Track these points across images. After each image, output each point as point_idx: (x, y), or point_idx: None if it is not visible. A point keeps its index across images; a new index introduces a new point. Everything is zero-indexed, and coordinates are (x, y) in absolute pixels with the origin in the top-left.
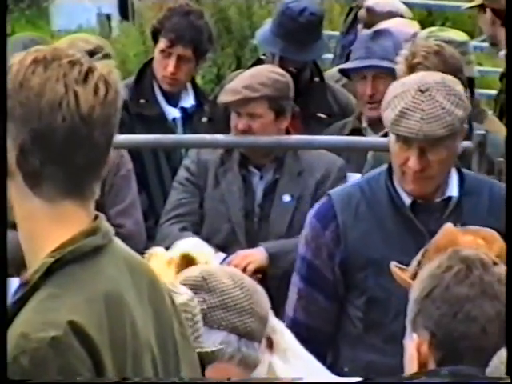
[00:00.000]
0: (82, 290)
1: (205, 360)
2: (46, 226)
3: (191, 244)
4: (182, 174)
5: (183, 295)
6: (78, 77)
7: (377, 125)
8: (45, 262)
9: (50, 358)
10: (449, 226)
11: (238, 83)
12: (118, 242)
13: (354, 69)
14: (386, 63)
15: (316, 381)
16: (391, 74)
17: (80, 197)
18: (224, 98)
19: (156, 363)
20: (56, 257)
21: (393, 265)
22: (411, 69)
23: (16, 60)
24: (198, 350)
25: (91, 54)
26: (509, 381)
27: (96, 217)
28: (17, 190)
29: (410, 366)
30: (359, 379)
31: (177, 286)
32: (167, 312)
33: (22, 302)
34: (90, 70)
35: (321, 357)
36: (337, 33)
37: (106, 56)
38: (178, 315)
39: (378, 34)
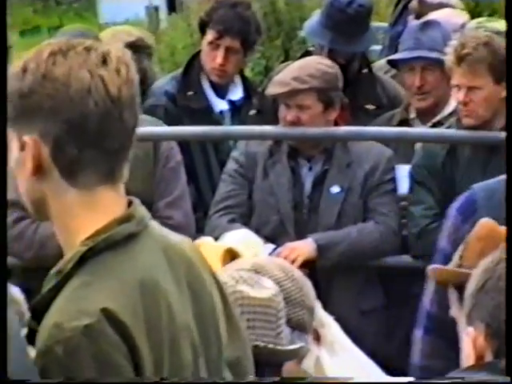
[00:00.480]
0: (115, 277)
1: (282, 357)
2: (82, 215)
3: (239, 236)
4: (230, 165)
5: (267, 290)
6: (97, 61)
7: (425, 116)
8: (78, 251)
9: (83, 346)
10: (485, 219)
11: (287, 75)
12: (155, 227)
13: (402, 60)
14: (434, 54)
15: (363, 377)
16: (440, 66)
17: (113, 181)
18: (272, 89)
19: (196, 347)
20: (89, 245)
21: (430, 269)
22: (460, 60)
23: (30, 56)
24: (278, 348)
25: (133, 46)
26: (509, 381)
27: (130, 203)
28: (51, 185)
29: (467, 359)
30: (411, 379)
31: (261, 278)
32: (207, 295)
33: (55, 291)
34: (106, 54)
35: None
36: (384, 24)
37: (148, 48)
38: (224, 297)
39: (427, 24)
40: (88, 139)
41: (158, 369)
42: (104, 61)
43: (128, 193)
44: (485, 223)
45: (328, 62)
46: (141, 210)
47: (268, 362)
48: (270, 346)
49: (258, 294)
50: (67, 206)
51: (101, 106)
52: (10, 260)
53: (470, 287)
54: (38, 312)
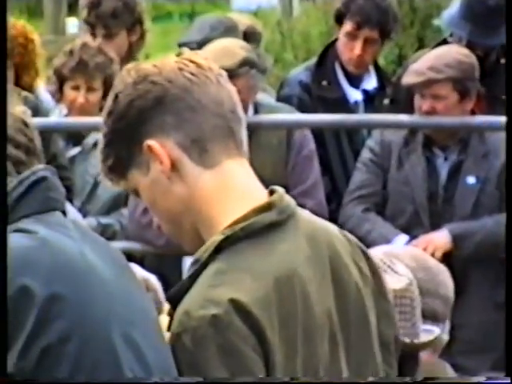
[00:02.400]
0: (249, 267)
1: (418, 349)
2: (221, 202)
3: None
4: (365, 154)
5: (402, 278)
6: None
7: None
8: (215, 240)
9: (209, 336)
10: None
11: (423, 64)
12: (302, 214)
13: None
14: None
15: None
16: None
17: (238, 153)
18: (408, 79)
19: (334, 335)
20: (226, 234)
21: None
22: None
23: (112, 89)
24: (415, 342)
25: (244, 34)
26: (509, 381)
27: (272, 191)
28: (187, 177)
29: None
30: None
31: (395, 263)
32: (352, 282)
33: (192, 280)
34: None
35: None
36: None
37: (258, 35)
38: (380, 287)
39: None
40: (200, 109)
41: (290, 361)
42: (180, 54)
43: (260, 180)
44: None
45: (465, 51)
46: (285, 199)
47: (403, 354)
48: (407, 340)
49: (392, 285)
50: (205, 195)
51: (196, 73)
52: (143, 247)
53: None
54: (176, 301)
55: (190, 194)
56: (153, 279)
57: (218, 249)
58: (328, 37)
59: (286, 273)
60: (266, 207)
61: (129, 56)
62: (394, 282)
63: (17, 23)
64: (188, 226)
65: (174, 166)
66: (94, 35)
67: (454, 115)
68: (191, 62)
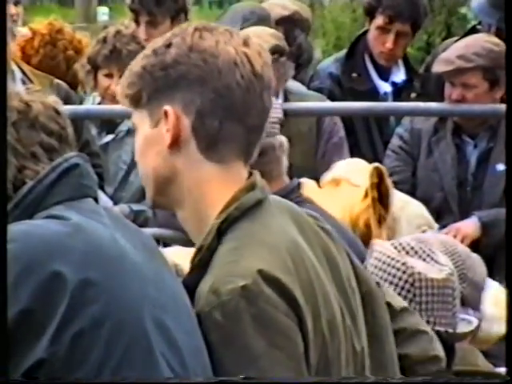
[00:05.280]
0: (259, 240)
1: (457, 339)
2: (218, 189)
3: (348, 164)
4: (395, 142)
5: (444, 268)
6: (240, 41)
7: None
8: (214, 224)
9: (242, 307)
10: None
11: (453, 53)
12: (273, 196)
13: None
14: None
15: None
16: None
17: (247, 158)
18: (438, 67)
19: (341, 309)
20: (223, 217)
21: None
22: None
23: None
24: (457, 332)
25: (288, 19)
26: (509, 380)
27: (250, 174)
28: (187, 159)
29: None
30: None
31: (437, 253)
32: (341, 262)
33: (201, 266)
34: (246, 38)
35: None
36: None
37: (304, 21)
38: (356, 266)
39: None
40: (231, 112)
41: (316, 322)
42: (245, 43)
43: (290, 166)
44: None
45: (495, 39)
46: (260, 179)
47: (444, 344)
48: (450, 330)
49: (436, 275)
50: (203, 180)
51: (246, 79)
52: (174, 234)
53: None
54: (191, 289)
55: (184, 172)
56: (183, 264)
57: (220, 232)
58: (357, 25)
59: (291, 244)
60: (250, 187)
61: None
62: (435, 271)
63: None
64: (170, 195)
65: (178, 142)
66: (137, 22)
67: (483, 103)
68: (249, 62)
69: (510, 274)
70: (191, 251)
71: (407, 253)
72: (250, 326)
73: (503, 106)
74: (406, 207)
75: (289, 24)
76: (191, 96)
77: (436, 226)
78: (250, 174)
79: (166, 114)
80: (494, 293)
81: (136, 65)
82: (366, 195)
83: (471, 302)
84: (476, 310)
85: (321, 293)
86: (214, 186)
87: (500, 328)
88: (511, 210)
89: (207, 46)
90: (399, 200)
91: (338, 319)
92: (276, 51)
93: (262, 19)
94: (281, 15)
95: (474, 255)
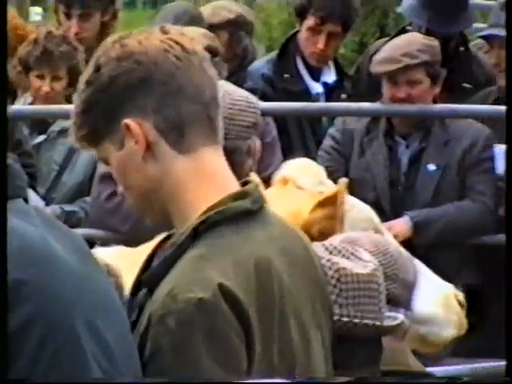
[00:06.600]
0: (230, 252)
1: (383, 333)
2: (195, 187)
3: (299, 164)
4: (327, 142)
5: (368, 264)
6: (158, 32)
7: None
8: (191, 224)
9: (196, 319)
10: None
11: (395, 52)
12: (271, 210)
13: (484, 37)
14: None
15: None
16: None
17: (214, 140)
18: (380, 68)
19: (305, 328)
20: (202, 218)
21: None
22: None
23: (97, 55)
24: (384, 324)
25: (233, 23)
26: (509, 381)
27: (247, 182)
28: (161, 160)
29: None
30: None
31: (358, 249)
32: (320, 279)
33: (169, 262)
34: (162, 27)
35: None
36: (490, 2)
37: (248, 24)
38: (323, 280)
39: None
40: (182, 95)
41: (267, 346)
42: (164, 31)
43: None
44: None
45: (427, 37)
46: (259, 190)
47: (368, 338)
48: (377, 323)
49: (361, 270)
50: (180, 179)
51: (182, 58)
52: (107, 234)
53: None
54: (150, 284)
55: (163, 175)
56: (114, 265)
57: (195, 233)
58: (290, 25)
59: (263, 260)
60: (241, 195)
61: (101, 37)
62: (360, 267)
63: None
64: (156, 205)
65: (149, 148)
66: (68, 16)
67: (427, 101)
68: (177, 43)
69: (509, 271)
70: (133, 251)
71: (330, 253)
72: (199, 338)
73: (435, 106)
74: (350, 210)
75: (234, 27)
76: (141, 99)
77: (384, 229)
78: (248, 182)
79: (127, 128)
80: (445, 295)
81: (77, 105)
82: (324, 204)
83: (403, 301)
84: (408, 310)
85: (280, 317)
86: (193, 183)
87: (450, 331)
88: (511, 211)
89: (132, 48)
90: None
91: (295, 346)
92: (209, 51)
93: (194, 19)
94: (226, 18)
95: (407, 255)
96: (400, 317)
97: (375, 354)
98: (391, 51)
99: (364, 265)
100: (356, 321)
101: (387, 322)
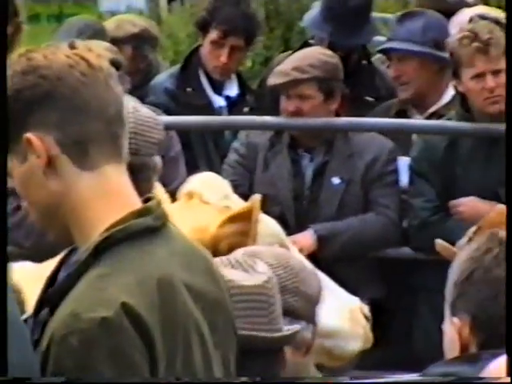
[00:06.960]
0: (133, 270)
1: (275, 344)
2: (97, 205)
3: (204, 179)
4: (231, 156)
5: (259, 275)
6: (65, 47)
7: (418, 107)
8: (93, 242)
9: (99, 338)
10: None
11: (288, 65)
12: (173, 226)
13: (382, 50)
14: (406, 45)
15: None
16: (418, 56)
17: (117, 159)
18: (273, 80)
19: (206, 344)
20: (104, 236)
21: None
22: (486, 45)
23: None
24: (273, 336)
25: (137, 37)
26: (509, 381)
27: (149, 199)
28: (63, 177)
29: (451, 350)
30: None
31: (256, 261)
32: (220, 291)
33: (71, 280)
34: (71, 42)
35: None
36: (389, 15)
37: (153, 38)
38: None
39: (407, 16)
40: (86, 111)
41: (170, 365)
42: (71, 46)
43: None
44: (500, 209)
45: (329, 51)
46: (160, 207)
47: (262, 349)
48: (263, 334)
49: (248, 282)
50: (81, 196)
51: (87, 74)
52: (9, 249)
53: (454, 275)
54: (52, 302)
55: (65, 192)
56: (15, 281)
57: (97, 251)
58: (197, 39)
59: (166, 277)
60: (143, 212)
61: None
62: (251, 279)
63: None
64: (58, 222)
65: (51, 163)
66: None
67: (319, 115)
68: (83, 59)
69: (510, 271)
70: (38, 266)
71: (232, 266)
72: (103, 357)
73: (338, 119)
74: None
75: (138, 41)
76: (44, 113)
77: (289, 244)
78: (149, 199)
79: (29, 142)
80: (350, 309)
81: None
82: (234, 219)
83: (304, 315)
84: (311, 323)
85: (183, 336)
86: (96, 201)
87: (356, 345)
88: (511, 211)
89: (37, 62)
90: None
91: (197, 362)
92: (112, 65)
93: (97, 33)
94: (131, 32)
95: (309, 268)
96: (293, 328)
97: (272, 368)
98: (285, 65)
99: (257, 277)
100: (244, 333)
101: (276, 334)
